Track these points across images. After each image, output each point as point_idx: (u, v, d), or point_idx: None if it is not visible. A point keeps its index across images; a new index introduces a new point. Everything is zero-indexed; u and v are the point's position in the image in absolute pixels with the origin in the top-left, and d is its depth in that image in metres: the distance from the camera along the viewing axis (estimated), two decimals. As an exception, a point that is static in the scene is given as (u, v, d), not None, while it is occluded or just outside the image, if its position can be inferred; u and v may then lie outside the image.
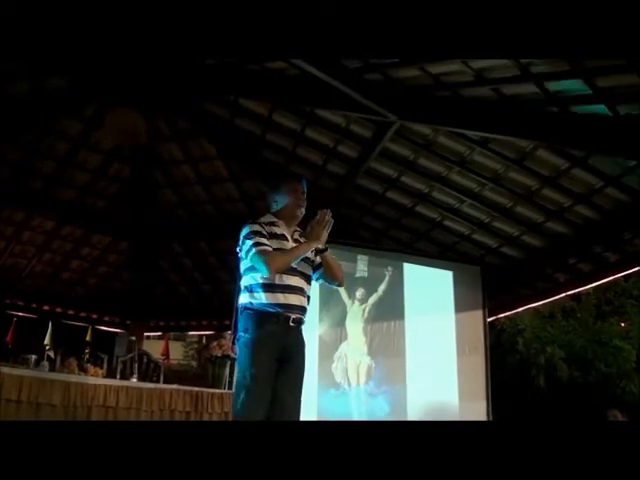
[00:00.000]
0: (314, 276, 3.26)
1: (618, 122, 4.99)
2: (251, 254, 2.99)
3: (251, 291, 3.04)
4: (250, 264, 3.04)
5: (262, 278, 3.01)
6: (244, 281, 3.11)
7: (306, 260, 3.15)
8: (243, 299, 3.08)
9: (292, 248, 3.09)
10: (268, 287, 3.00)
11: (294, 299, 3.03)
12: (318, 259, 3.24)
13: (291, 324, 3.01)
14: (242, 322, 3.04)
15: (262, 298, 2.99)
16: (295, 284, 3.05)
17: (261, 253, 2.97)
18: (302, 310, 3.08)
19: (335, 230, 3.18)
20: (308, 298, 3.14)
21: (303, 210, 3.23)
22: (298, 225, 3.28)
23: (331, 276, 3.25)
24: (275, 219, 3.18)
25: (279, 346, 2.96)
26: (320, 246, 3.13)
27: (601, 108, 4.93)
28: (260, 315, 2.98)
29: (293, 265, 3.05)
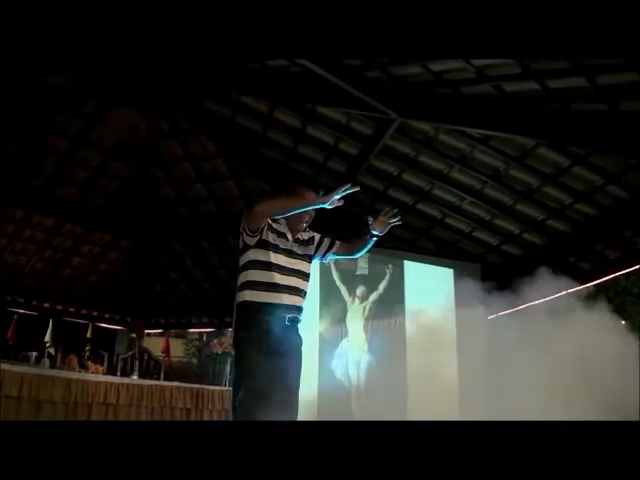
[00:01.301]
0: (328, 257, 3.27)
1: (619, 119, 4.98)
2: (245, 216, 3.01)
3: (247, 289, 3.02)
4: (247, 259, 3.05)
5: (258, 276, 3.00)
6: (240, 279, 3.09)
7: (304, 258, 3.13)
8: (239, 297, 3.06)
9: (289, 199, 3.06)
10: (263, 286, 2.99)
11: (289, 299, 3.02)
12: (326, 242, 3.23)
13: (287, 323, 3.00)
14: (238, 320, 3.04)
15: (258, 297, 2.98)
16: (291, 284, 3.04)
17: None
18: (298, 309, 3.07)
19: (336, 227, 3.17)
20: (305, 295, 3.12)
21: (304, 225, 3.19)
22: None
23: (356, 249, 3.26)
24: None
25: (276, 344, 2.95)
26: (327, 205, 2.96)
27: (602, 106, 4.92)
28: (256, 313, 2.98)
29: (289, 265, 3.04)
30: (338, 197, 2.93)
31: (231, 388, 5.96)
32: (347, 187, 2.91)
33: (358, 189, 2.95)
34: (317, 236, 3.25)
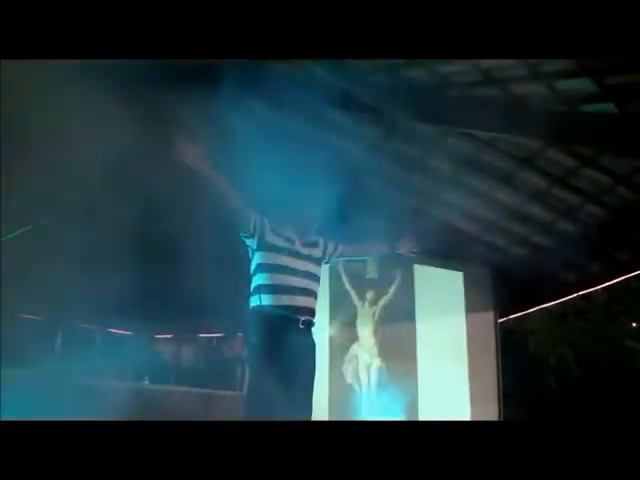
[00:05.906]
0: (333, 259, 3.36)
1: (627, 120, 4.95)
2: None
3: (258, 293, 3.03)
4: (256, 263, 3.07)
5: (269, 280, 3.01)
6: (252, 283, 3.11)
7: (312, 260, 3.14)
8: (251, 302, 3.07)
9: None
10: (275, 289, 3.00)
11: (302, 301, 3.02)
12: (331, 245, 3.31)
13: (300, 326, 3.00)
14: (251, 325, 3.04)
15: (270, 300, 2.99)
16: (302, 286, 3.05)
17: None
18: (311, 312, 3.07)
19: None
20: (316, 297, 3.13)
21: (313, 228, 3.22)
22: None
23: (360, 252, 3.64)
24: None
25: (289, 348, 2.95)
26: None
27: (610, 107, 4.89)
28: (268, 318, 2.98)
29: (299, 268, 3.04)
30: None
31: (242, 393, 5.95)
32: None
33: None
34: (322, 239, 3.28)
